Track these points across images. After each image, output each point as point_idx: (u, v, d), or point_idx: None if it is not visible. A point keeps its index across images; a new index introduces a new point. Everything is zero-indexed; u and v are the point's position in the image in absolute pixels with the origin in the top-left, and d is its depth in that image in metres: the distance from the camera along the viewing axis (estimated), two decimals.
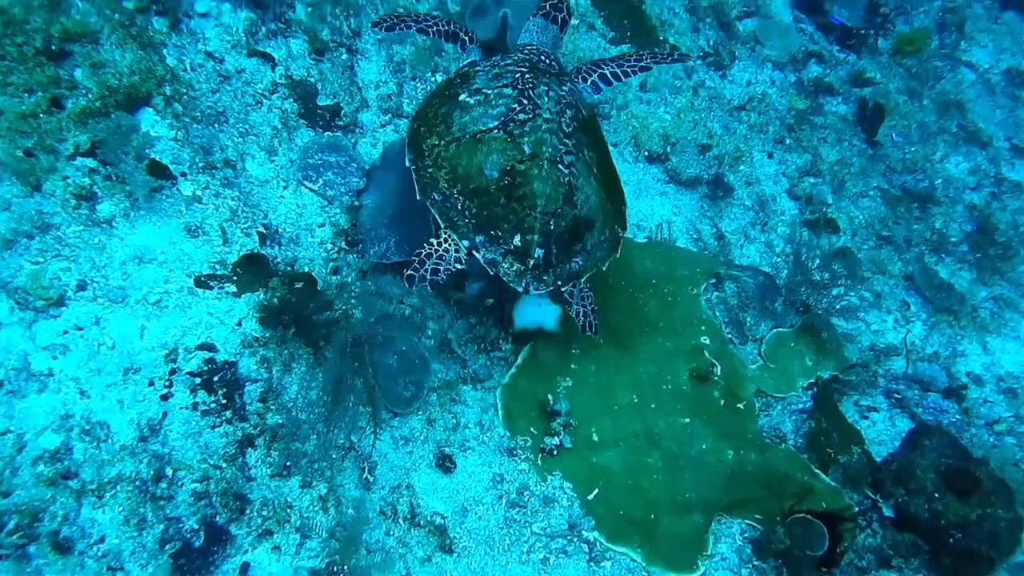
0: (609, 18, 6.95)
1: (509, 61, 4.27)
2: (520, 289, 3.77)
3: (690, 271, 5.52)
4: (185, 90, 4.49)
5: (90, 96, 4.03)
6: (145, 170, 4.00)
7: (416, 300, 4.76)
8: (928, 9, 9.57)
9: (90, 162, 3.93)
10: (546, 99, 3.95)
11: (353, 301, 4.22)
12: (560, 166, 3.77)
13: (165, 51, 4.53)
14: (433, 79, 5.67)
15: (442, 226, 3.81)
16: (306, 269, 4.48)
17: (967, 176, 7.60)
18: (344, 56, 5.37)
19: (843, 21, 8.23)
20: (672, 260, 5.58)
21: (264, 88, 4.88)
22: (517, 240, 3.70)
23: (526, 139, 3.77)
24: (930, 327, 6.24)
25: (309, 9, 5.34)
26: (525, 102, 3.88)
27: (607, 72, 4.74)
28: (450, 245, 3.78)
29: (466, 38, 4.67)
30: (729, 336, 5.36)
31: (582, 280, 4.02)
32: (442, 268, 3.73)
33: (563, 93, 4.07)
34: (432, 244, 3.79)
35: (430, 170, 3.82)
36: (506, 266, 3.74)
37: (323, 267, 4.56)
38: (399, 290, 4.74)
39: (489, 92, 3.97)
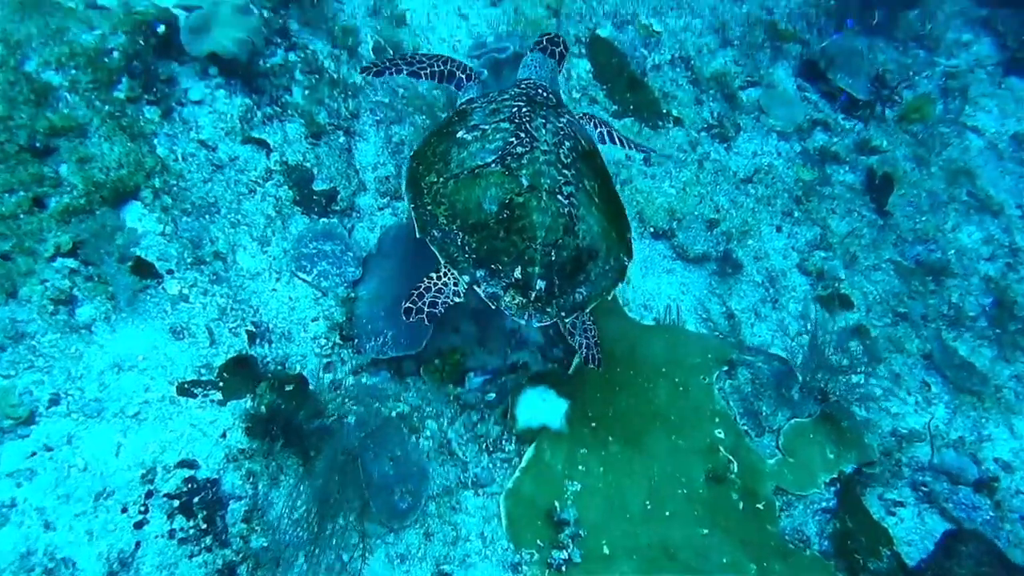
0: (611, 92, 6.83)
1: (506, 96, 4.21)
2: (523, 322, 3.66)
3: (701, 357, 5.26)
4: (175, 181, 4.30)
5: (75, 193, 3.83)
6: (129, 270, 3.78)
7: (414, 397, 4.49)
8: (930, 74, 9.52)
9: (71, 263, 3.72)
10: (543, 131, 3.90)
11: (347, 403, 3.95)
12: (559, 197, 3.69)
13: (156, 141, 4.36)
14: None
15: (442, 262, 3.72)
16: (298, 367, 4.23)
17: (981, 246, 7.38)
18: (341, 139, 5.21)
19: (850, 92, 8.13)
20: (682, 345, 5.32)
21: (258, 175, 4.70)
22: (518, 273, 3.61)
23: (524, 171, 3.70)
24: (953, 410, 5.94)
25: (306, 92, 5.21)
26: (522, 135, 3.83)
27: (613, 133, 4.84)
28: (449, 279, 3.69)
29: (463, 76, 4.58)
30: (744, 428, 5.07)
31: (586, 311, 3.90)
32: (440, 301, 3.62)
33: (561, 125, 4.02)
34: (431, 278, 3.69)
35: (429, 207, 3.74)
36: (508, 299, 3.63)
37: (316, 364, 4.30)
38: (396, 387, 4.50)
39: (486, 127, 3.91)
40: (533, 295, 3.63)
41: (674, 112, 7.02)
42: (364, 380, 4.37)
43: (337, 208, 4.97)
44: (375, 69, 4.50)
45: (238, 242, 4.43)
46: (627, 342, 5.22)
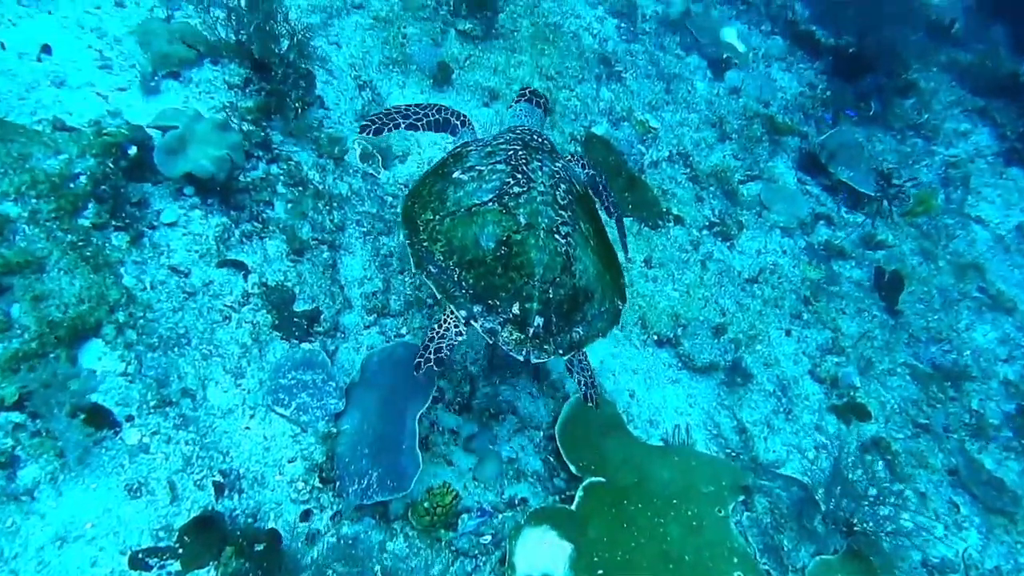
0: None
1: (501, 140, 4.23)
2: (520, 358, 3.57)
3: (715, 485, 4.83)
4: (142, 313, 3.95)
5: (26, 336, 3.47)
6: (82, 422, 3.39)
7: (401, 545, 4.04)
8: (930, 164, 9.38)
9: (16, 416, 3.33)
10: (540, 173, 3.91)
11: (326, 568, 3.49)
12: (557, 236, 3.67)
13: (123, 269, 4.03)
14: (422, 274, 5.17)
15: (438, 297, 3.70)
16: (271, 518, 3.79)
17: (997, 346, 7.04)
18: (325, 254, 4.90)
19: (852, 185, 7.93)
20: (693, 471, 4.90)
21: (234, 300, 4.35)
22: (516, 308, 3.57)
23: (521, 210, 3.69)
24: (986, 534, 5.47)
25: (289, 206, 4.93)
26: (519, 176, 3.84)
27: (598, 181, 4.70)
28: (450, 323, 3.67)
29: (458, 122, 4.64)
30: (766, 568, 4.60)
31: (583, 350, 3.87)
32: (444, 345, 3.63)
33: (556, 168, 4.04)
34: (433, 329, 3.69)
35: (425, 244, 3.72)
36: (505, 335, 3.57)
37: (292, 513, 3.86)
38: (381, 534, 4.05)
39: (483, 168, 3.91)
40: (531, 331, 3.57)
41: (674, 210, 6.78)
42: (345, 529, 3.92)
43: (320, 330, 4.62)
44: (373, 127, 4.50)
45: (209, 376, 4.05)
46: (634, 468, 4.80)
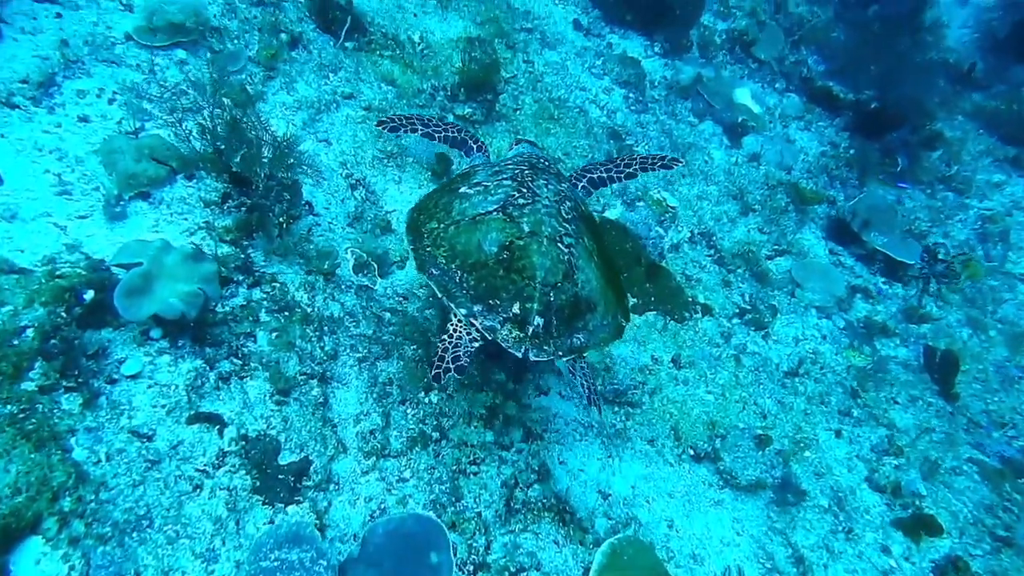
0: (629, 282, 5.95)
1: (509, 161, 4.33)
2: (519, 355, 3.57)
3: None
4: (93, 495, 3.32)
5: None
6: None
7: None
8: (964, 218, 8.73)
9: None
10: (545, 190, 3.99)
11: None
12: (560, 245, 3.74)
13: (73, 441, 3.42)
14: (427, 399, 4.54)
15: (438, 296, 3.76)
16: None
17: None
18: (315, 390, 4.27)
19: (888, 253, 7.27)
20: None
21: (207, 462, 3.72)
22: (516, 308, 3.61)
23: (525, 219, 3.77)
24: None
25: (273, 336, 4.32)
26: (524, 190, 3.92)
27: (595, 176, 4.76)
28: (461, 330, 3.69)
29: (473, 145, 4.77)
30: None
31: (583, 357, 3.85)
32: (462, 353, 3.62)
33: (561, 188, 4.11)
34: (444, 340, 3.69)
35: (428, 249, 3.80)
36: (504, 333, 3.60)
37: None
38: None
39: (489, 184, 4.01)
40: (530, 330, 3.59)
41: (701, 298, 6.12)
42: None
43: (309, 484, 3.97)
44: (390, 124, 4.76)
45: (175, 566, 3.38)
46: None
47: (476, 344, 3.65)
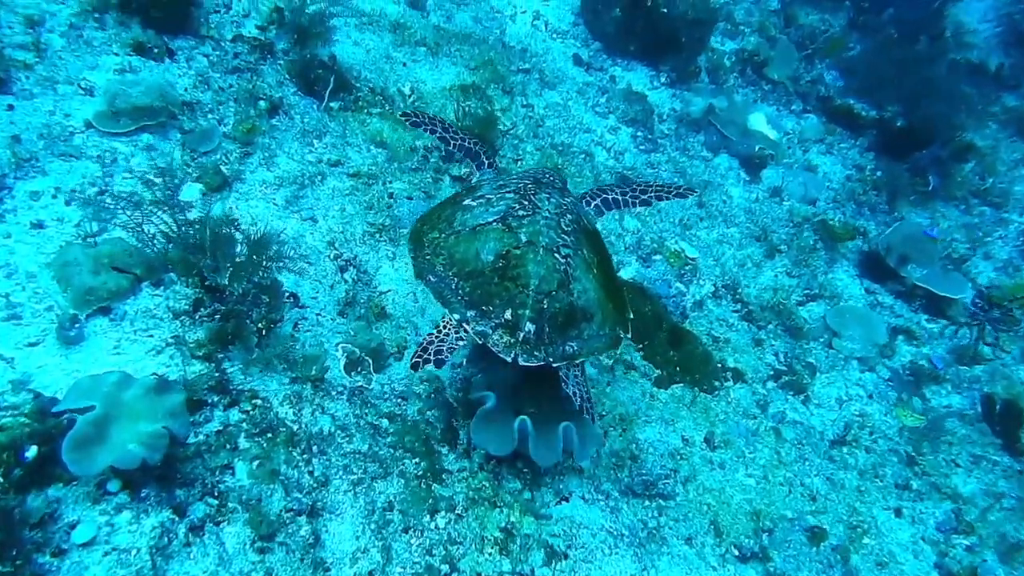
0: (650, 351, 5.33)
1: (515, 175, 4.38)
2: (508, 360, 3.60)
3: None
4: None
5: None
6: None
7: None
8: (1004, 235, 8.01)
9: None
10: (547, 203, 3.99)
11: None
12: (556, 255, 3.75)
13: None
14: (433, 524, 3.95)
15: (434, 300, 3.83)
16: None
17: None
18: (304, 528, 3.70)
19: (928, 288, 6.58)
20: None
21: None
22: (508, 314, 3.63)
23: (523, 230, 3.79)
24: None
25: (255, 465, 3.77)
26: (526, 203, 3.94)
27: (609, 198, 4.63)
28: (449, 329, 3.71)
29: (486, 160, 4.72)
30: None
31: (576, 364, 3.81)
32: (445, 349, 3.64)
33: (564, 202, 4.10)
34: (433, 333, 3.71)
35: (428, 257, 3.87)
36: (496, 338, 3.63)
37: None
38: None
39: (492, 196, 4.04)
40: (521, 336, 3.62)
41: (730, 362, 5.48)
42: None
43: None
44: (412, 119, 4.77)
45: None
46: None
47: (461, 343, 3.68)
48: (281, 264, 4.53)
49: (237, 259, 4.13)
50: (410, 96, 6.63)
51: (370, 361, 4.60)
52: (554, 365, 3.70)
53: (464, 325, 3.68)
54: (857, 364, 5.87)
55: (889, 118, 8.12)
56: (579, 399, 3.81)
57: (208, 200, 4.98)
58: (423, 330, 4.96)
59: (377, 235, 5.38)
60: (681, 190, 4.69)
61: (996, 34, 11.45)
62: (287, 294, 4.72)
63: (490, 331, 3.66)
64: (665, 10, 7.32)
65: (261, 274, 4.19)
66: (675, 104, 7.68)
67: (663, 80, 7.84)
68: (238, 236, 4.24)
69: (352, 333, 4.70)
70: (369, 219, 5.43)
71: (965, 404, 5.89)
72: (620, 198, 4.64)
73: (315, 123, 5.92)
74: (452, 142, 4.72)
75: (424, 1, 7.54)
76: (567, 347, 3.72)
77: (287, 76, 6.09)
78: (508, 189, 4.08)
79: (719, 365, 5.39)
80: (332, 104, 6.19)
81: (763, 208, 6.87)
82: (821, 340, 5.96)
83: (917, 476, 5.13)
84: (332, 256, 5.11)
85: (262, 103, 5.79)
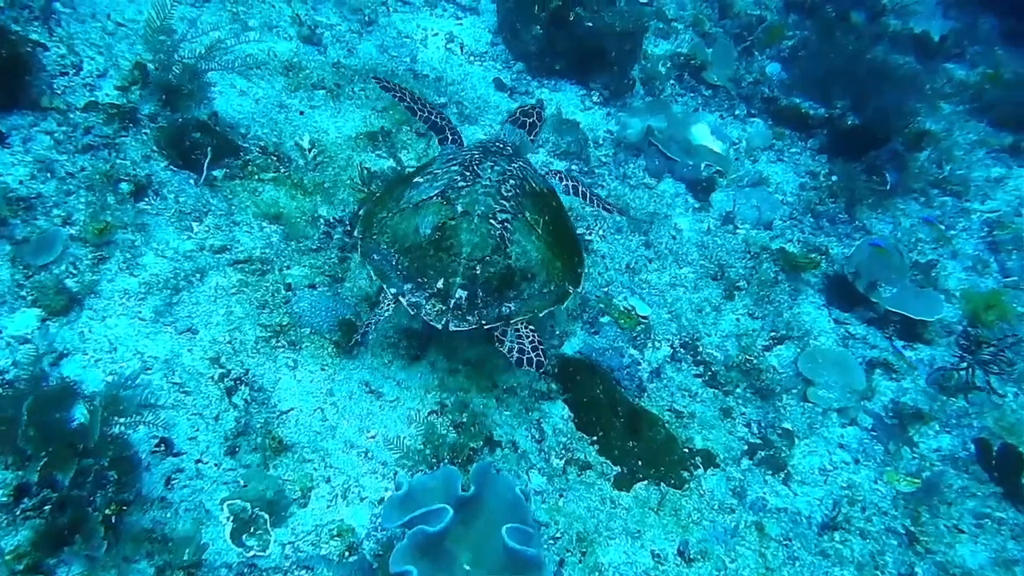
0: (605, 444, 4.46)
1: (466, 149, 4.43)
2: (439, 327, 3.69)
3: None
4: None
5: None
6: None
7: None
8: (968, 226, 7.25)
9: None
10: (489, 171, 4.01)
11: None
12: (492, 221, 3.77)
13: None
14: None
15: (373, 278, 3.98)
16: None
17: None
18: None
19: (903, 313, 5.76)
20: None
21: None
22: (440, 283, 3.71)
23: (460, 201, 3.81)
24: None
25: None
26: (467, 174, 3.96)
27: (579, 187, 4.80)
28: (382, 303, 3.86)
29: (449, 135, 4.76)
30: None
31: (514, 322, 3.81)
32: (372, 324, 3.85)
33: (510, 169, 4.08)
34: (374, 314, 3.88)
35: (375, 237, 3.92)
36: (428, 307, 3.72)
37: None
38: None
39: (439, 171, 4.08)
40: (452, 303, 3.69)
41: (698, 442, 4.61)
42: None
43: None
44: (383, 83, 4.94)
45: None
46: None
47: (387, 314, 3.84)
48: (139, 418, 3.47)
49: (69, 433, 3.07)
50: (310, 150, 5.53)
51: (266, 517, 3.61)
52: (487, 327, 3.74)
53: (400, 298, 3.76)
54: (836, 417, 5.03)
55: (839, 116, 7.25)
56: (518, 353, 3.79)
57: (48, 329, 3.87)
58: (334, 459, 3.97)
59: (273, 339, 4.34)
60: (613, 210, 5.05)
61: None
62: (157, 440, 3.67)
63: (423, 302, 3.73)
64: (590, 24, 6.29)
65: (108, 445, 3.14)
66: (611, 125, 6.69)
67: (595, 99, 6.84)
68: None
69: (242, 482, 3.68)
70: (263, 320, 4.38)
71: (956, 445, 5.10)
72: (579, 187, 4.82)
73: (193, 202, 4.82)
74: (419, 113, 4.83)
75: (320, 35, 6.38)
76: (503, 308, 3.76)
77: (156, 148, 4.96)
78: (455, 162, 4.10)
79: (686, 449, 4.50)
80: (215, 173, 5.08)
81: (716, 240, 5.95)
82: (794, 392, 5.11)
83: (920, 557, 4.33)
84: (217, 377, 4.05)
85: (124, 186, 4.67)
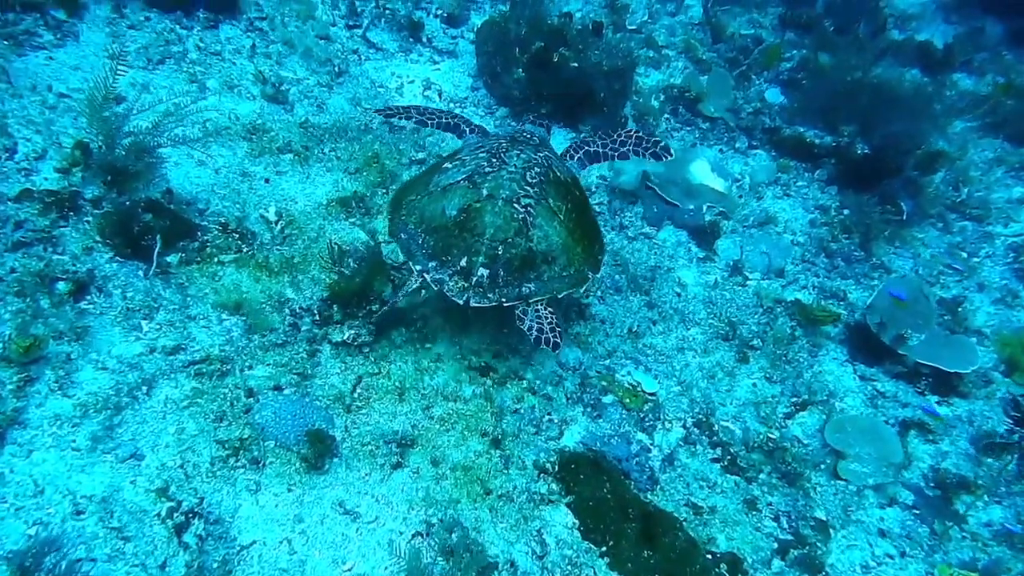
0: (616, 556, 3.79)
1: (494, 138, 4.45)
2: (460, 302, 3.76)
3: None
4: None
5: None
6: None
7: None
8: (992, 252, 6.63)
9: None
10: (516, 159, 4.07)
11: None
12: (516, 205, 3.83)
13: None
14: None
15: (402, 257, 4.13)
16: None
17: None
18: None
19: (934, 365, 5.13)
20: None
21: None
22: (463, 262, 3.78)
23: (486, 185, 3.89)
24: None
25: None
26: (495, 160, 4.03)
27: (590, 150, 4.73)
28: (410, 282, 3.96)
29: (466, 128, 4.81)
30: None
31: (534, 302, 3.88)
32: (400, 295, 3.99)
33: (536, 157, 4.13)
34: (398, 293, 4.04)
35: (403, 217, 4.02)
36: (451, 284, 3.80)
37: None
38: None
39: (467, 158, 4.16)
40: (474, 280, 3.77)
41: (722, 542, 3.99)
42: None
43: None
44: (387, 112, 4.96)
45: None
46: None
47: (414, 286, 3.92)
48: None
49: None
50: (277, 223, 4.94)
51: None
52: (506, 305, 3.80)
53: (424, 274, 3.84)
54: (873, 496, 4.39)
55: (847, 144, 6.62)
56: (537, 332, 3.84)
57: None
58: None
59: (232, 458, 3.73)
60: (656, 149, 4.62)
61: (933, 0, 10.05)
62: None
63: (447, 279, 3.81)
64: (576, 64, 5.68)
65: None
66: (603, 171, 6.07)
67: None
68: None
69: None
70: (220, 435, 3.78)
71: (1009, 517, 4.45)
72: (601, 150, 4.69)
73: (143, 296, 4.23)
74: (431, 122, 4.83)
75: (286, 91, 5.79)
76: (523, 288, 3.81)
77: (99, 237, 4.37)
78: (483, 149, 4.16)
79: (709, 555, 3.86)
80: (170, 259, 4.48)
81: (725, 295, 5.33)
82: (823, 467, 4.48)
83: None
84: (165, 512, 3.44)
85: (62, 285, 4.08)
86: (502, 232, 3.78)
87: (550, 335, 3.86)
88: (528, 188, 3.92)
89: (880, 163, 6.45)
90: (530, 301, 3.85)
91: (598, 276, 4.09)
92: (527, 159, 4.08)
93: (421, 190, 4.08)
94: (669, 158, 4.59)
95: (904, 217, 6.53)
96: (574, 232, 4.00)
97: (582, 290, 4.12)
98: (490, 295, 3.78)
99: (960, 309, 5.89)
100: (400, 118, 4.87)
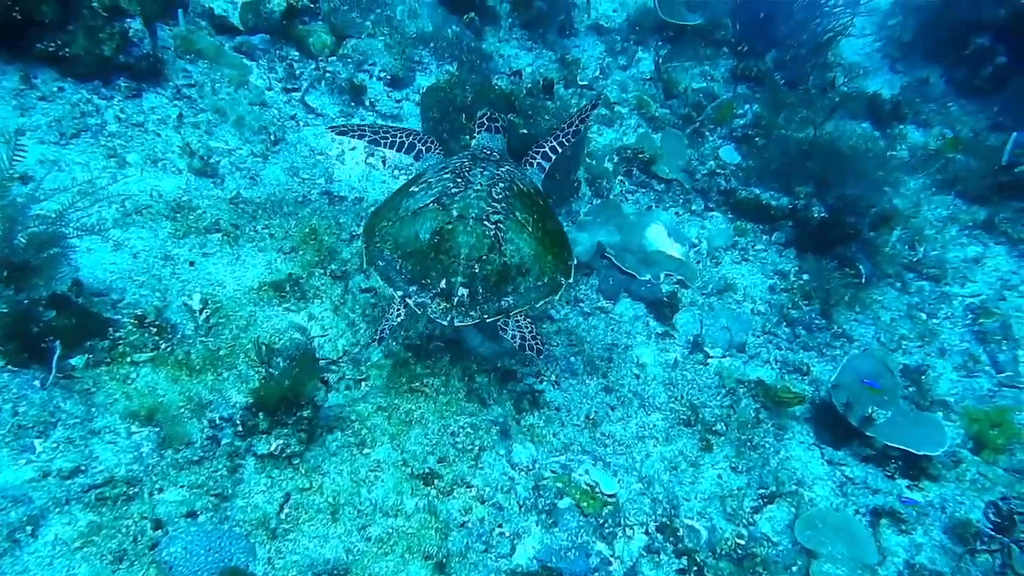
0: None
1: (455, 158, 4.46)
2: (445, 323, 3.78)
3: None
4: None
5: None
6: None
7: None
8: (951, 314, 6.46)
9: None
10: (479, 177, 4.10)
11: None
12: (486, 223, 3.86)
13: None
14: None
15: (381, 283, 4.09)
16: None
17: None
18: None
19: (903, 448, 4.87)
20: None
21: None
22: (443, 284, 3.79)
23: (455, 206, 3.90)
24: None
25: None
26: (459, 180, 4.07)
27: (546, 150, 4.75)
28: (392, 308, 3.93)
29: (423, 147, 4.76)
30: None
31: (514, 314, 3.93)
32: (386, 327, 3.89)
33: (498, 173, 4.18)
34: (385, 319, 3.93)
35: (378, 245, 4.00)
36: (434, 306, 3.81)
37: None
38: None
39: (432, 180, 4.17)
40: (456, 300, 3.78)
41: None
42: None
43: None
44: (338, 129, 4.85)
45: None
46: None
47: (400, 319, 3.88)
48: None
49: None
50: (201, 311, 4.45)
51: None
52: (488, 320, 3.83)
53: (407, 299, 3.82)
54: None
55: (803, 206, 6.42)
56: (520, 340, 3.94)
57: None
58: None
59: None
60: (592, 103, 4.94)
61: (878, 49, 10.10)
62: None
63: (429, 301, 3.80)
64: (525, 131, 5.37)
65: None
66: None
67: None
68: None
69: None
70: None
71: None
72: (556, 144, 4.72)
73: (37, 411, 3.69)
74: (384, 142, 4.74)
75: (216, 164, 5.35)
76: (502, 302, 3.85)
77: None
78: (447, 170, 4.18)
79: None
80: (75, 362, 3.96)
81: (686, 375, 5.01)
82: (795, 569, 4.12)
83: None
84: None
85: None
86: (476, 251, 3.79)
87: (532, 342, 3.96)
88: (495, 204, 3.95)
89: (838, 227, 6.27)
90: (510, 314, 3.89)
91: (570, 282, 4.14)
92: (491, 175, 4.12)
93: (392, 216, 4.05)
94: (600, 103, 4.59)
95: (863, 280, 6.35)
96: (543, 241, 4.04)
97: (556, 297, 4.11)
98: (472, 313, 3.80)
99: (923, 379, 5.68)
100: (353, 136, 4.78)
